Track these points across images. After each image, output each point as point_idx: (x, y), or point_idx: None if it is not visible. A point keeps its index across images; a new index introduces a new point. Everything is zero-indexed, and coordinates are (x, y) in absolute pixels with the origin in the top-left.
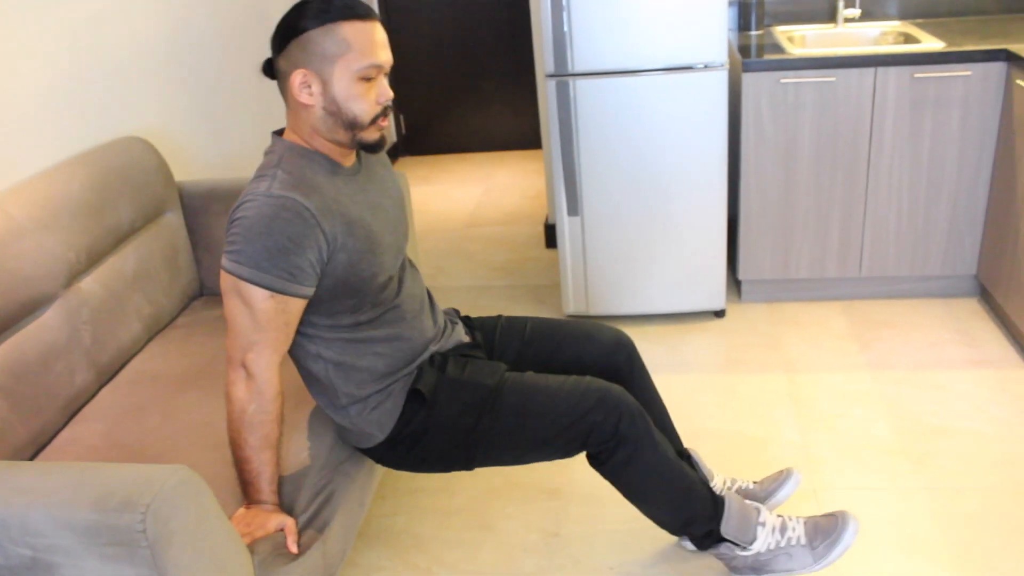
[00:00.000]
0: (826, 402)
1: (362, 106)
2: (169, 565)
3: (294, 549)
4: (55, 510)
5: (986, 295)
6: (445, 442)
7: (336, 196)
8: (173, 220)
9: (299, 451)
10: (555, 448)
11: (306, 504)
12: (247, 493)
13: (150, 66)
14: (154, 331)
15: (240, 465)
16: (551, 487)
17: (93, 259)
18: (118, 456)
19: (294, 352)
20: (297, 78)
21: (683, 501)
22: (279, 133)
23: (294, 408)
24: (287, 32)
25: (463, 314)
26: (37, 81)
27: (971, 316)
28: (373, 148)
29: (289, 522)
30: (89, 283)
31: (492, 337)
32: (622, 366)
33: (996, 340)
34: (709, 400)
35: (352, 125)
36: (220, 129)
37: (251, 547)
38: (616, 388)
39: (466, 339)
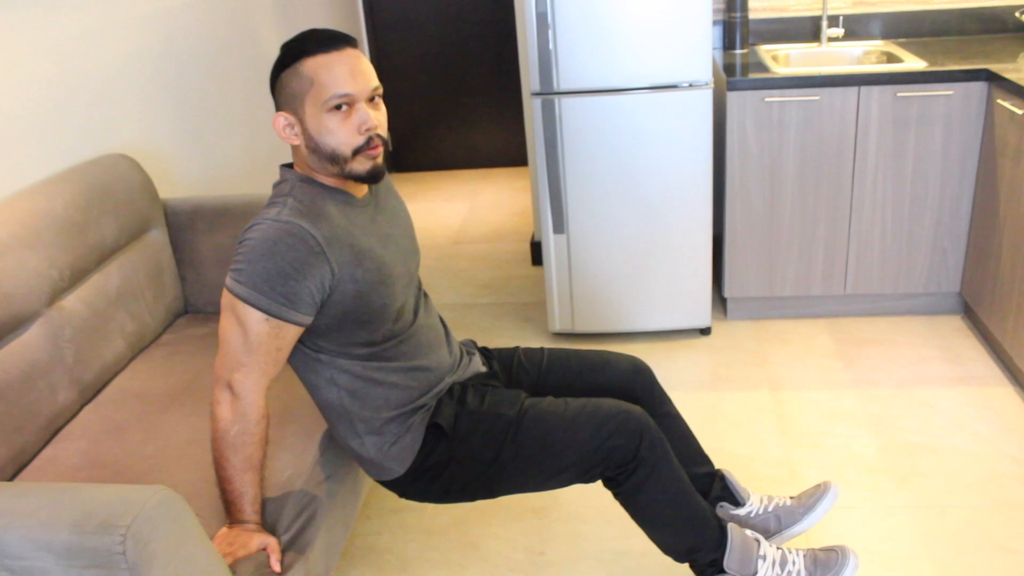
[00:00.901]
0: (811, 420)
1: (338, 138)
2: None
3: (277, 568)
4: (34, 531)
5: (970, 312)
6: (467, 473)
7: (347, 227)
8: (157, 238)
9: (282, 470)
10: (577, 473)
11: (289, 523)
12: (229, 513)
13: (135, 83)
14: (138, 349)
15: (223, 485)
16: (536, 506)
17: (76, 277)
18: (99, 475)
19: (308, 379)
20: (279, 121)
21: (691, 527)
22: (288, 166)
23: (278, 426)
24: (271, 80)
25: (465, 338)
26: (21, 98)
27: (955, 333)
28: (366, 179)
29: (272, 541)
30: (72, 301)
31: (509, 367)
32: (640, 394)
33: (980, 357)
34: (694, 418)
35: (334, 159)
36: (206, 146)
37: (233, 567)
38: (636, 409)
39: (483, 369)
